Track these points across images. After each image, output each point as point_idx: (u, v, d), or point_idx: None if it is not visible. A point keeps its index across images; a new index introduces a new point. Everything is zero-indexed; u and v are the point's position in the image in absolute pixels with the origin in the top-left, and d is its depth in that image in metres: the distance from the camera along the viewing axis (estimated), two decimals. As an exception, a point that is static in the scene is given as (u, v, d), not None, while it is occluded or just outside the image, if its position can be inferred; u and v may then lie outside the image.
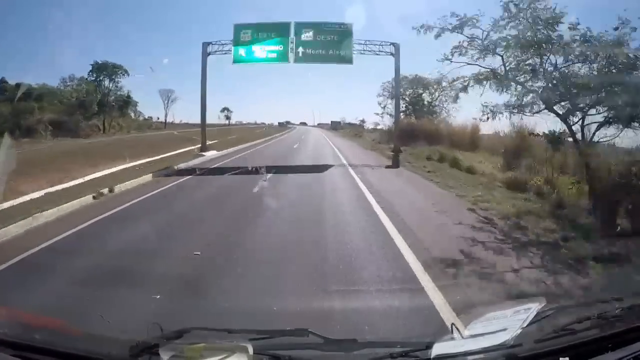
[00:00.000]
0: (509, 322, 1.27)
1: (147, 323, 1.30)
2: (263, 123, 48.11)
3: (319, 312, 3.10)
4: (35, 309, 2.90)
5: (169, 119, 38.84)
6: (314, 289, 3.57)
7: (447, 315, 3.00)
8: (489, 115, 8.77)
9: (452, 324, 1.44)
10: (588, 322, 1.33)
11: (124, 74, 27.87)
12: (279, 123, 49.56)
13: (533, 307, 1.30)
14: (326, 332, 1.27)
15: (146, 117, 35.95)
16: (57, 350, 1.19)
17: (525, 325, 1.24)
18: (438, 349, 1.19)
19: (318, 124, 60.76)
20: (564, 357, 1.19)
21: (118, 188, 8.54)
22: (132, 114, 33.81)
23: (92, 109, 25.91)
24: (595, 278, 3.91)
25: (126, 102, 30.84)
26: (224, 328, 1.30)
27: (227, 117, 51.56)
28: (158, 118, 41.25)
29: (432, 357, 1.17)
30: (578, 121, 7.87)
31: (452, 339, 1.32)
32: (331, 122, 54.73)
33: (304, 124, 60.36)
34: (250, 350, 1.13)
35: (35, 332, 1.27)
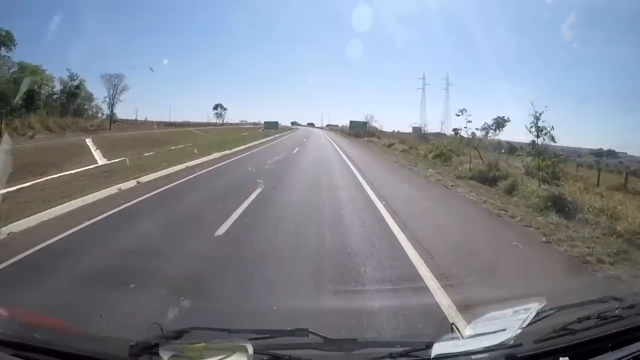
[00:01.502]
0: (508, 322, 1.27)
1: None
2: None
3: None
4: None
5: (128, 116, 31.92)
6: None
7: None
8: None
9: (452, 323, 1.44)
10: (588, 322, 1.33)
11: (9, 45, 19.92)
12: (265, 122, 39.08)
13: (533, 307, 1.30)
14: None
15: (105, 114, 30.17)
16: (57, 350, 1.19)
17: (525, 325, 1.24)
18: (438, 348, 1.19)
19: (327, 125, 55.02)
20: (564, 357, 1.19)
21: None
22: (89, 110, 26.89)
23: (14, 103, 18.85)
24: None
25: (73, 95, 23.81)
26: (223, 328, 1.30)
27: (220, 115, 45.02)
28: (146, 118, 35.65)
29: (432, 356, 1.17)
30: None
31: (452, 338, 1.32)
32: (350, 122, 38.74)
33: (311, 124, 57.19)
34: (250, 350, 1.13)
35: (35, 332, 1.27)
